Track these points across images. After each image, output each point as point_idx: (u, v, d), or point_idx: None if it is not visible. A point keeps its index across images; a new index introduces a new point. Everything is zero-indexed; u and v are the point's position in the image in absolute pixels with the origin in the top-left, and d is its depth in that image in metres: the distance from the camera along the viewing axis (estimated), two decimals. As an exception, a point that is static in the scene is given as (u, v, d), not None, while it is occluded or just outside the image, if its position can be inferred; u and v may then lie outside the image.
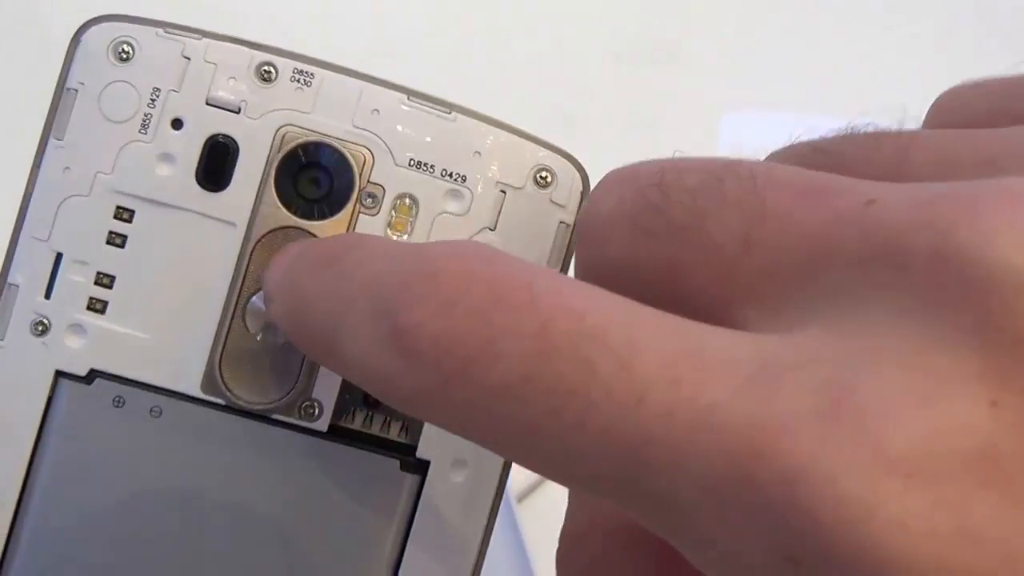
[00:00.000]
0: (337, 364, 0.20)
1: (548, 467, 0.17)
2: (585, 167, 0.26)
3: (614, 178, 0.19)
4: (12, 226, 0.24)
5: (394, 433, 0.25)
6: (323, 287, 0.20)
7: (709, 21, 0.76)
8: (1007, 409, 0.14)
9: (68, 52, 0.25)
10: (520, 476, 0.58)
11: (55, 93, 0.25)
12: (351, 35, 0.68)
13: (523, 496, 0.58)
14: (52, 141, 0.24)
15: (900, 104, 0.21)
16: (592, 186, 0.25)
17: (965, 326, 0.14)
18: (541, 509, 0.57)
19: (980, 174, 0.16)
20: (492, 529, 0.25)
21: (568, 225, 0.25)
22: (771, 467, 0.14)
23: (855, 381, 0.14)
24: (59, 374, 0.24)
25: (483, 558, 0.25)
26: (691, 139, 0.72)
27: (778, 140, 0.62)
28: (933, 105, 0.21)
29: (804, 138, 0.20)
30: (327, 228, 0.24)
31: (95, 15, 0.25)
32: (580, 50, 0.71)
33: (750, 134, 0.74)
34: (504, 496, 0.54)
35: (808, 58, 0.75)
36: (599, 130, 0.68)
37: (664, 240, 0.17)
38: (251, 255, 0.24)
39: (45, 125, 0.24)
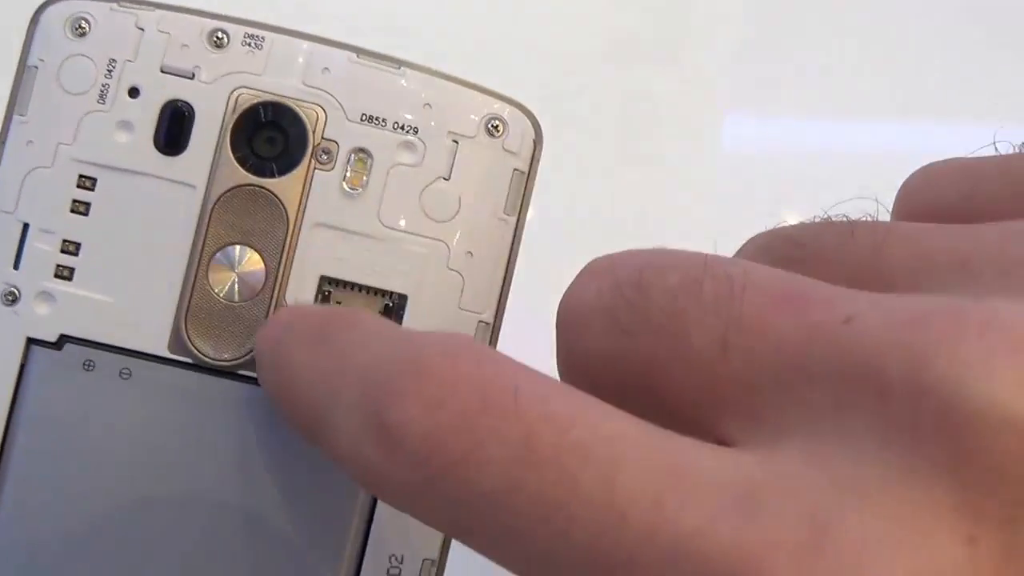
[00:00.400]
0: (325, 449, 0.20)
1: (530, 571, 0.17)
2: (585, 167, 0.26)
3: (594, 269, 0.19)
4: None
5: (361, 384, 0.25)
6: (313, 368, 0.20)
7: (709, 21, 0.76)
8: (983, 545, 0.14)
9: (28, 32, 0.25)
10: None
11: (16, 72, 0.25)
12: (347, 32, 0.69)
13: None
14: (15, 118, 0.25)
15: (872, 193, 0.21)
16: (542, 136, 0.26)
17: (941, 459, 0.14)
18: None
19: (954, 278, 0.16)
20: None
21: (522, 172, 0.26)
22: None
23: (837, 516, 0.14)
24: (30, 341, 0.25)
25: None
26: (691, 139, 0.73)
27: (777, 141, 0.61)
28: (903, 186, 0.21)
29: (778, 228, 0.20)
30: (284, 184, 0.25)
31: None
32: (579, 50, 0.72)
33: (749, 135, 0.74)
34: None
35: (808, 59, 0.75)
36: (598, 130, 0.68)
37: (642, 340, 0.17)
38: (211, 215, 0.25)
39: (8, 103, 0.25)
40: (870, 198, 0.20)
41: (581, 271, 0.19)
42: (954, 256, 0.17)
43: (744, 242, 0.20)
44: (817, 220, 0.19)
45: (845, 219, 0.19)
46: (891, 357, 0.15)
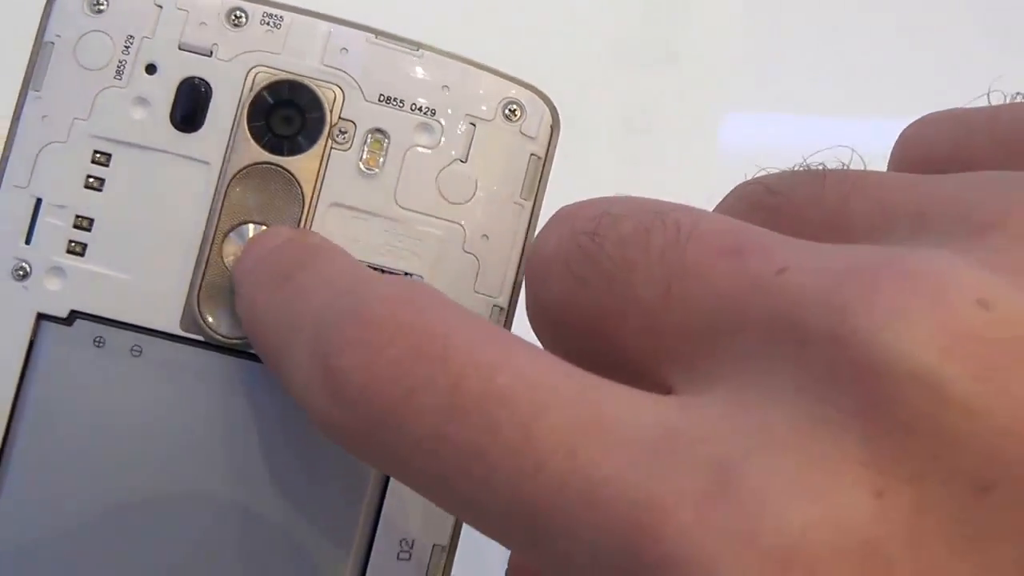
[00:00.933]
0: (283, 384, 0.20)
1: (462, 517, 0.17)
2: (585, 167, 0.26)
3: (557, 217, 0.19)
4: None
5: (373, 366, 0.25)
6: (272, 310, 0.21)
7: (709, 21, 0.76)
8: (891, 500, 0.14)
9: (45, 8, 0.25)
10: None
11: (33, 48, 0.25)
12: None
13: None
14: (31, 93, 0.25)
15: (849, 144, 0.21)
16: (559, 122, 0.26)
17: (853, 411, 0.14)
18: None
19: (907, 230, 0.16)
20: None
21: (540, 157, 0.26)
22: (653, 549, 0.14)
23: (742, 463, 0.14)
24: (40, 316, 0.25)
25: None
26: (691, 139, 0.73)
27: (777, 141, 0.62)
28: (900, 135, 0.21)
29: (763, 174, 0.20)
30: (300, 163, 0.25)
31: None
32: (579, 50, 0.72)
33: (749, 135, 0.74)
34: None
35: (808, 59, 0.75)
36: (599, 130, 0.68)
37: (593, 288, 0.18)
38: (226, 193, 0.25)
39: (24, 79, 0.25)
40: (847, 147, 0.20)
41: (549, 219, 0.19)
42: (911, 207, 0.17)
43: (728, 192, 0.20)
44: (797, 168, 0.19)
45: (822, 167, 0.19)
46: (814, 306, 0.15)
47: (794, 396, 0.14)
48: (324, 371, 0.17)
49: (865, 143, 0.61)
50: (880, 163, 0.60)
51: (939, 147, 0.20)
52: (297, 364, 0.19)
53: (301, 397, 0.19)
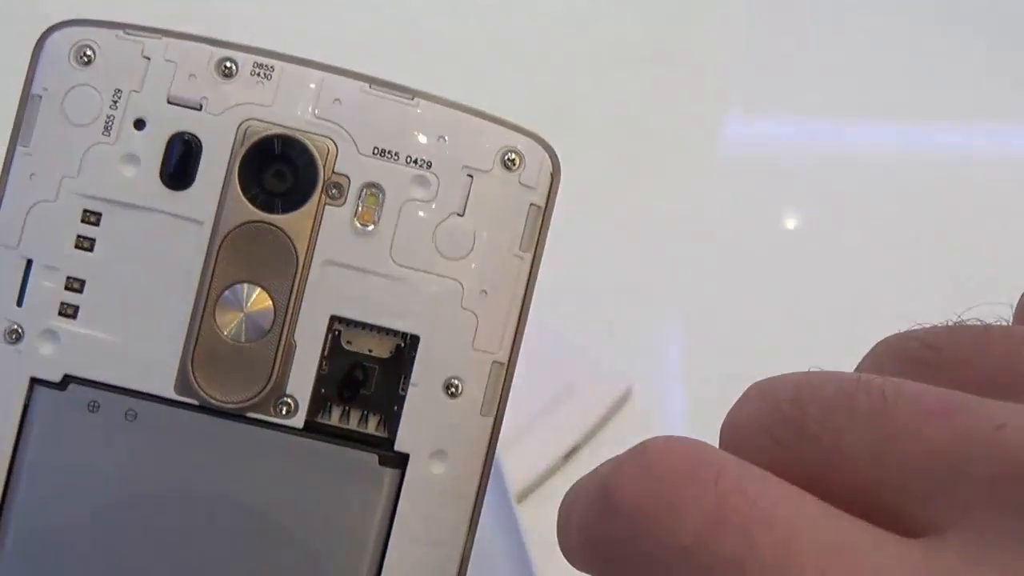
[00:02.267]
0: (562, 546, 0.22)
1: None
2: (585, 169, 0.25)
3: (754, 391, 0.20)
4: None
5: (372, 427, 0.25)
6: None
7: (709, 22, 0.76)
8: None
9: (32, 59, 0.25)
10: (520, 476, 0.57)
11: (20, 101, 0.25)
12: (347, 31, 0.68)
13: (523, 496, 0.58)
14: (19, 148, 0.24)
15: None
16: (560, 169, 0.25)
17: None
18: (541, 509, 0.57)
19: None
20: (478, 519, 0.25)
21: (539, 207, 0.25)
22: None
23: None
24: (34, 381, 0.24)
25: (470, 549, 0.25)
26: (690, 140, 0.72)
27: (777, 140, 0.61)
28: (1022, 297, 0.22)
29: (910, 331, 0.21)
30: (293, 221, 0.24)
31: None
32: (579, 50, 0.71)
33: (749, 135, 0.73)
34: (504, 496, 0.53)
35: (807, 59, 0.74)
36: (598, 131, 0.68)
37: (796, 452, 0.19)
38: (218, 252, 0.24)
39: (12, 132, 0.24)
40: (1005, 303, 0.21)
41: (744, 392, 0.20)
42: None
43: (874, 344, 0.21)
44: (950, 323, 0.20)
45: (979, 323, 0.20)
46: None
47: None
48: (602, 489, 0.19)
49: (865, 143, 0.61)
50: (882, 163, 0.60)
51: None
52: (578, 509, 0.20)
53: (576, 531, 0.20)
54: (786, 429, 0.19)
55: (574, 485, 0.22)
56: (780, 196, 0.71)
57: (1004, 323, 0.20)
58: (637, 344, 0.67)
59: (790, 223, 0.71)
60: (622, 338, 0.66)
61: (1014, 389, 0.18)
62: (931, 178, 0.72)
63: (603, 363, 0.65)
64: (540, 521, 0.55)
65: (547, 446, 0.61)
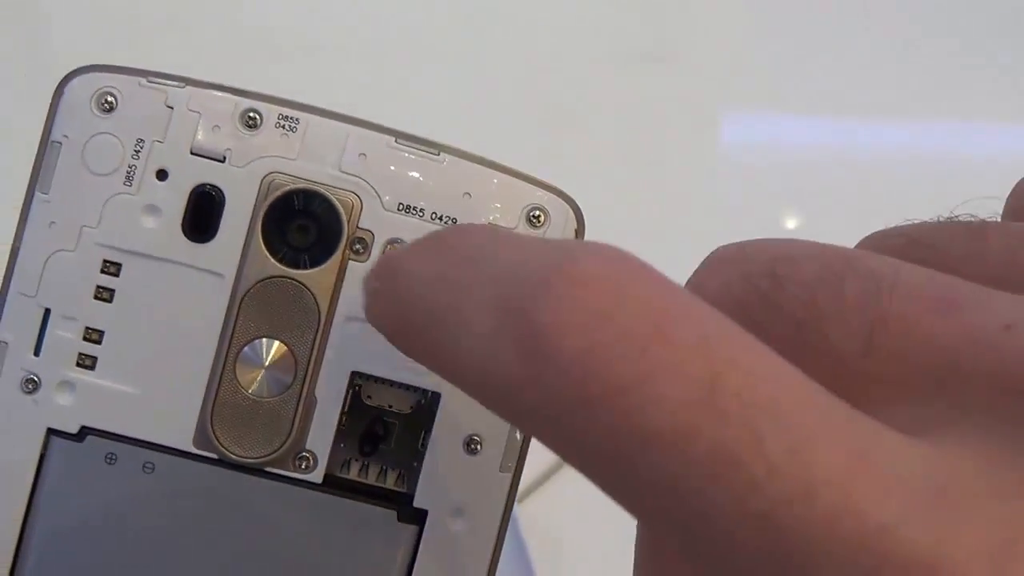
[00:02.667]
0: (440, 361, 0.17)
1: (678, 533, 0.15)
2: (585, 168, 0.25)
3: (720, 257, 0.17)
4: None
5: (391, 482, 0.25)
6: (433, 268, 0.18)
7: (709, 21, 0.75)
8: None
9: (52, 104, 0.24)
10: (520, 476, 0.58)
11: (39, 146, 0.24)
12: (352, 35, 0.68)
13: (523, 496, 0.58)
14: (38, 195, 0.24)
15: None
16: (584, 224, 0.25)
17: None
18: (541, 509, 0.57)
19: None
20: (495, 574, 0.25)
21: None
22: None
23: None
24: (51, 432, 0.24)
25: (486, 604, 0.25)
26: (690, 139, 0.72)
27: (777, 141, 0.61)
28: (1013, 192, 0.20)
29: (896, 227, 0.19)
30: (316, 277, 0.24)
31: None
32: (580, 50, 0.71)
33: (749, 135, 0.73)
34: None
35: (807, 58, 0.74)
36: (599, 130, 0.67)
37: (774, 336, 0.16)
38: (240, 306, 0.24)
39: (31, 179, 0.24)
40: (996, 197, 0.20)
41: (705, 260, 0.17)
42: None
43: (859, 241, 0.19)
44: (941, 220, 0.18)
45: (974, 219, 0.18)
46: None
47: None
48: (522, 328, 0.15)
49: (865, 143, 0.61)
50: (881, 163, 0.60)
51: None
52: (470, 326, 0.16)
53: (473, 368, 0.16)
54: (763, 308, 0.16)
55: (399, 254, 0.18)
56: (780, 196, 0.71)
57: (998, 219, 0.18)
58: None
59: (790, 223, 0.71)
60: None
61: (1017, 288, 0.16)
62: (931, 178, 0.72)
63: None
64: (540, 521, 0.55)
65: (547, 446, 0.61)
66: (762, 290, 0.16)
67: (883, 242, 0.18)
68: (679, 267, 0.60)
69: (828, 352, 0.16)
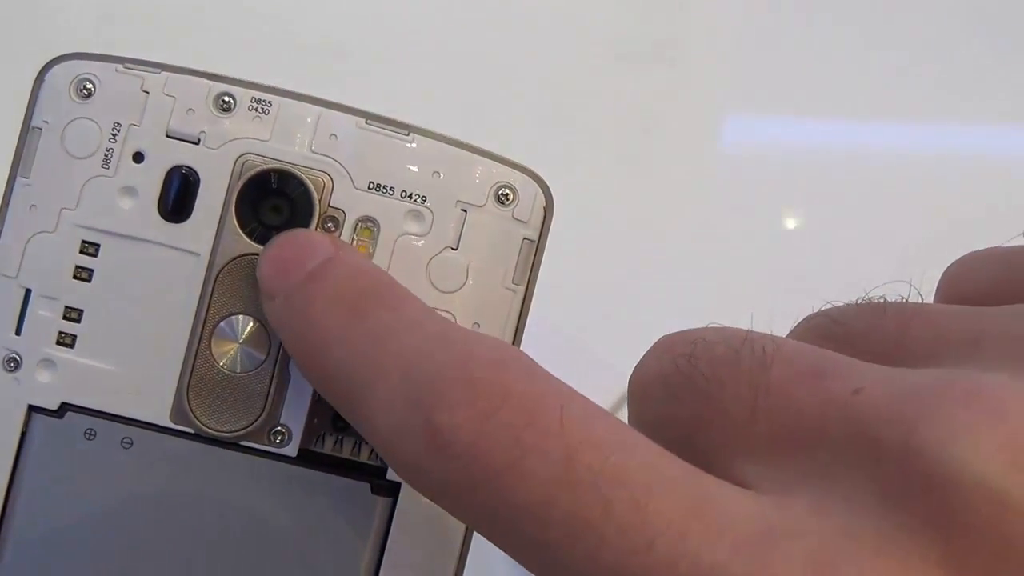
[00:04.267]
0: (357, 421, 0.21)
1: None
2: (584, 167, 0.26)
3: (660, 344, 0.20)
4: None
5: (365, 456, 0.25)
6: (348, 343, 0.21)
7: (709, 21, 0.76)
8: None
9: (32, 92, 0.25)
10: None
11: (20, 132, 0.25)
12: (349, 33, 0.68)
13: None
14: (19, 179, 0.25)
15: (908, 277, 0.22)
16: (553, 200, 0.26)
17: (927, 517, 0.16)
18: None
19: (964, 355, 0.18)
20: (468, 550, 0.25)
21: (532, 241, 0.25)
22: None
23: (838, 560, 0.16)
24: (31, 409, 0.24)
25: (460, 576, 0.25)
26: (691, 140, 0.72)
27: (777, 140, 0.61)
28: (945, 272, 0.23)
29: (825, 308, 0.21)
30: None
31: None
32: (580, 50, 0.71)
33: (750, 135, 0.73)
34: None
35: (808, 59, 0.74)
36: (599, 130, 0.68)
37: (688, 404, 0.19)
38: (214, 284, 0.25)
39: (12, 164, 0.25)
40: (905, 281, 0.22)
41: (653, 345, 0.21)
42: (966, 335, 0.19)
43: (800, 320, 0.22)
44: (859, 302, 0.21)
45: (883, 300, 0.20)
46: (887, 424, 0.16)
47: (875, 503, 0.16)
48: (426, 424, 0.18)
49: (865, 143, 0.61)
50: (881, 163, 0.60)
51: (981, 283, 0.22)
52: (383, 408, 0.20)
53: (388, 445, 0.20)
54: (679, 382, 0.19)
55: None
56: (780, 196, 0.71)
57: (903, 300, 0.21)
58: (637, 344, 0.67)
59: (790, 223, 0.71)
60: (622, 338, 0.66)
61: (905, 359, 0.18)
62: (932, 178, 0.72)
63: (603, 363, 0.65)
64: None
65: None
66: (681, 368, 0.19)
67: (808, 322, 0.21)
68: (679, 267, 0.60)
69: (725, 416, 0.18)
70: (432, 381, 0.19)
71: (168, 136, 0.25)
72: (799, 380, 0.18)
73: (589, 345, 0.64)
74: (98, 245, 0.25)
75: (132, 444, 0.25)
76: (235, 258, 0.25)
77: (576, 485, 0.17)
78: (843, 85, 0.72)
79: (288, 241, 0.24)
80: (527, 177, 0.25)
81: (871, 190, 0.71)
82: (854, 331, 0.20)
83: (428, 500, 0.24)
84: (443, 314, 0.25)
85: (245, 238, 0.25)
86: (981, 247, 0.23)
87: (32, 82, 0.25)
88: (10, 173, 0.25)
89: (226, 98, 0.25)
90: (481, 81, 0.66)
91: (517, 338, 0.26)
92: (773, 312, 0.65)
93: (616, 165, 0.68)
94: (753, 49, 0.73)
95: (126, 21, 0.64)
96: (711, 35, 0.74)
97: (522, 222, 0.25)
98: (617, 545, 0.17)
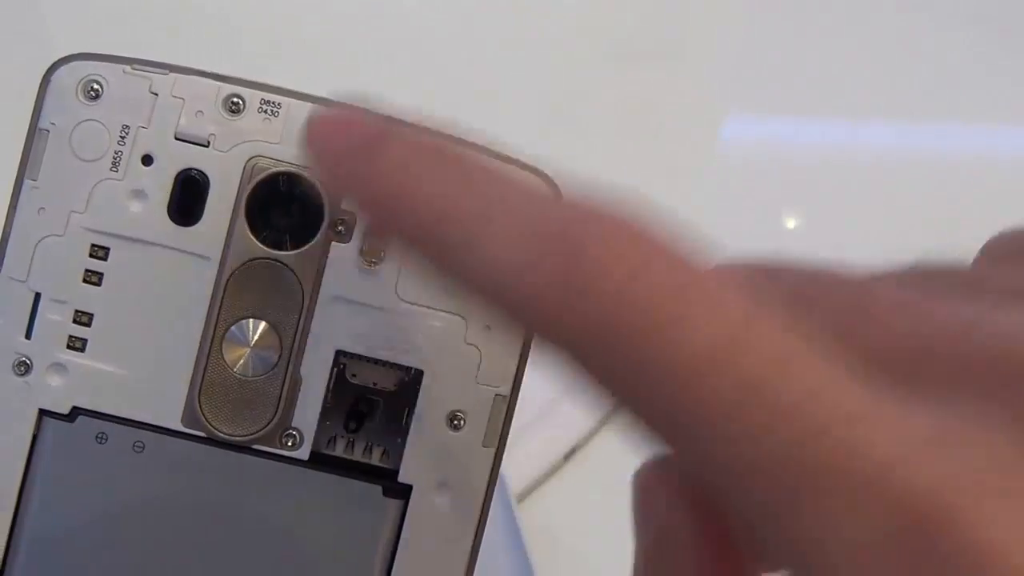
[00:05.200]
0: (461, 260, 0.18)
1: (703, 463, 0.17)
2: (584, 167, 0.26)
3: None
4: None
5: (376, 458, 0.25)
6: (447, 177, 0.19)
7: (709, 21, 0.76)
8: None
9: (39, 93, 0.25)
10: (520, 476, 0.58)
11: (28, 134, 0.25)
12: (351, 32, 0.68)
13: (523, 496, 0.58)
14: (27, 182, 0.24)
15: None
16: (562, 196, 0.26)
17: None
18: (541, 509, 0.57)
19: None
20: (478, 552, 0.25)
21: None
22: (956, 532, 0.15)
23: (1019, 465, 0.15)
24: (42, 413, 0.24)
25: (472, 578, 0.25)
26: (691, 139, 0.72)
27: (777, 140, 0.61)
28: (984, 246, 0.23)
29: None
30: (300, 258, 0.25)
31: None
32: (580, 50, 0.71)
33: (749, 135, 0.73)
34: (504, 496, 0.54)
35: (808, 59, 0.74)
36: (599, 130, 0.68)
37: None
38: (225, 288, 0.24)
39: (19, 166, 0.25)
40: (996, 197, 0.22)
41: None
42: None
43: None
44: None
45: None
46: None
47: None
48: (571, 259, 0.16)
49: (865, 143, 0.61)
50: (880, 162, 0.60)
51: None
52: (505, 243, 0.17)
53: (501, 277, 0.17)
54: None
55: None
56: (780, 196, 0.71)
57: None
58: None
59: (790, 223, 0.71)
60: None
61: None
62: (932, 178, 0.72)
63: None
64: (540, 521, 0.55)
65: (547, 446, 0.62)
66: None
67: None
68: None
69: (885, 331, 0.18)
70: (579, 218, 0.17)
71: (177, 138, 0.24)
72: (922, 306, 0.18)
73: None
74: (108, 248, 0.24)
75: (144, 448, 0.24)
76: (246, 262, 0.24)
77: (748, 348, 0.16)
78: (843, 85, 0.72)
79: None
80: (534, 175, 0.25)
81: (871, 190, 0.71)
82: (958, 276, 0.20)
83: (439, 502, 0.25)
84: (454, 317, 0.25)
85: (256, 242, 0.24)
86: (981, 247, 0.23)
87: (38, 83, 0.25)
88: (17, 175, 0.25)
89: (235, 100, 0.25)
90: (480, 80, 0.66)
91: (528, 339, 0.25)
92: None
93: (616, 165, 0.68)
94: (753, 49, 0.73)
95: (130, 21, 0.64)
96: (711, 35, 0.74)
97: None
98: (793, 425, 0.16)
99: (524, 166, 0.25)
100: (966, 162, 0.72)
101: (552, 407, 0.62)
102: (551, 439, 0.62)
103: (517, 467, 0.58)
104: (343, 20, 0.70)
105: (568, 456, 0.62)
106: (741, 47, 0.74)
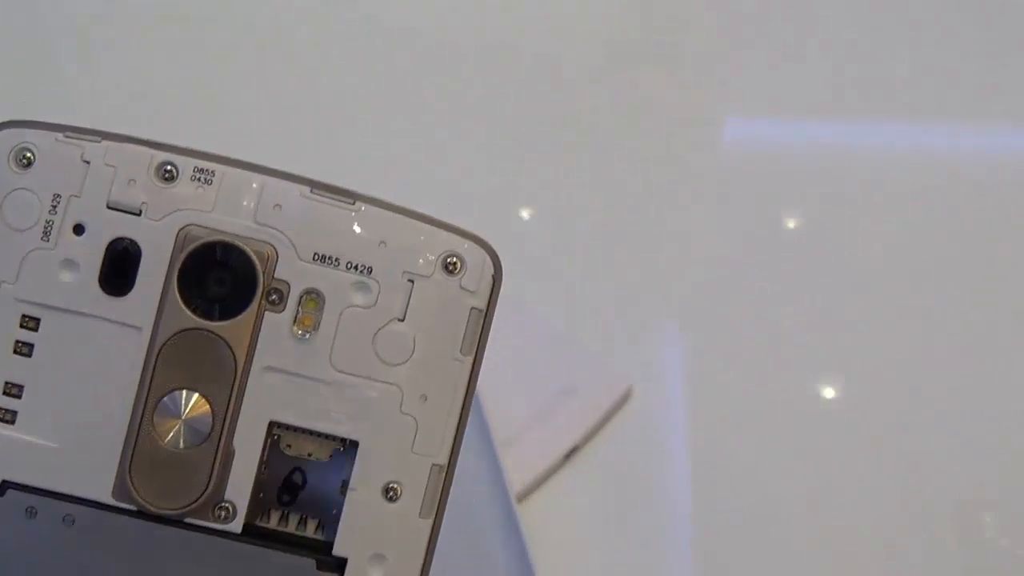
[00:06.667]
0: None
1: None
2: (582, 165, 0.25)
3: None
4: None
5: (310, 530, 0.25)
6: None
7: (709, 21, 0.75)
8: None
9: None
10: (520, 476, 0.58)
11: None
12: (349, 36, 0.68)
13: (523, 496, 0.58)
14: None
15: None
16: (501, 270, 0.25)
17: None
18: (541, 509, 0.57)
19: None
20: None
21: (480, 310, 0.25)
22: None
23: None
24: None
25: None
26: (691, 139, 0.71)
27: (777, 140, 0.60)
28: None
29: None
30: (233, 328, 0.24)
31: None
32: (580, 50, 0.70)
33: (750, 135, 0.73)
34: (504, 496, 0.53)
35: (808, 59, 0.73)
36: (598, 130, 0.67)
37: None
38: (157, 359, 0.24)
39: None
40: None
41: None
42: None
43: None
44: None
45: None
46: None
47: None
48: None
49: (865, 143, 0.60)
50: (881, 162, 0.59)
51: None
52: None
53: None
54: None
55: None
56: (780, 196, 0.70)
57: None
58: (637, 344, 0.67)
59: (790, 223, 0.70)
60: (622, 338, 0.66)
61: None
62: (931, 178, 0.71)
63: (603, 363, 0.65)
64: (540, 521, 0.55)
65: (547, 446, 0.61)
66: None
67: None
68: (678, 267, 0.59)
69: None
70: None
71: (109, 207, 0.24)
72: None
73: (589, 345, 0.64)
74: (38, 319, 0.24)
75: (74, 522, 0.24)
76: (178, 332, 0.24)
77: None
78: (843, 85, 0.71)
79: None
80: (475, 245, 0.25)
81: (871, 190, 0.70)
82: None
83: (376, 574, 0.24)
84: (389, 387, 0.24)
85: (187, 311, 0.24)
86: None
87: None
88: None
89: (168, 167, 0.24)
90: (480, 81, 0.65)
91: (465, 409, 0.25)
92: (772, 310, 0.65)
93: (616, 165, 0.68)
94: (753, 49, 0.72)
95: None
96: (711, 35, 0.73)
97: (470, 291, 0.25)
98: None
99: (466, 235, 0.25)
100: (966, 162, 0.71)
101: (552, 407, 0.62)
102: (551, 439, 0.61)
103: (517, 467, 0.58)
104: (341, 22, 0.69)
105: (568, 456, 0.61)
106: (741, 47, 0.73)
